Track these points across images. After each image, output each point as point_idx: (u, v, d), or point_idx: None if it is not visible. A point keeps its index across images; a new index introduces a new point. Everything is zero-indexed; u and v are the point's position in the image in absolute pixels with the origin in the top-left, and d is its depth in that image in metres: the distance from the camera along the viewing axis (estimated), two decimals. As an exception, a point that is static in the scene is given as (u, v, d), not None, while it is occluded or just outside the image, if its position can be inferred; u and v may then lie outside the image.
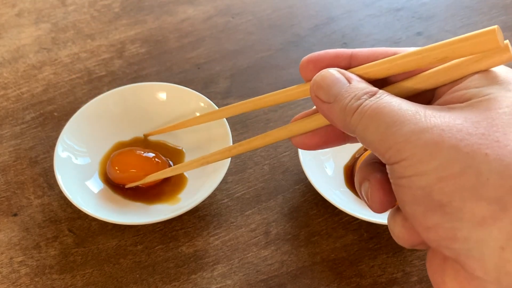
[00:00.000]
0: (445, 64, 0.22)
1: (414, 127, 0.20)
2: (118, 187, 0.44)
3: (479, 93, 0.21)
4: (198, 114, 0.48)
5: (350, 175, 0.45)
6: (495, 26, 0.20)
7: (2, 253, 0.42)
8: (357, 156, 0.46)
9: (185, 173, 0.46)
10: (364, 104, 0.21)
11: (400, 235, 0.23)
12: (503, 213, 0.18)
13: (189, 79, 0.55)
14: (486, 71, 0.22)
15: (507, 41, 0.21)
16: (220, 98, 0.53)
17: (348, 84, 0.23)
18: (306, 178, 0.43)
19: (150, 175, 0.42)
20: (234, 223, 0.44)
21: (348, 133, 0.23)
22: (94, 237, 0.43)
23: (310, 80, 0.25)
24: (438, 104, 0.22)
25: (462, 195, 0.18)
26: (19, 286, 0.41)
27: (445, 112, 0.20)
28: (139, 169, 0.43)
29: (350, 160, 0.46)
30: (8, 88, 0.54)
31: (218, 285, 0.41)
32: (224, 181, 0.46)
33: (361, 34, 0.59)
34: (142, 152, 0.45)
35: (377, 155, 0.22)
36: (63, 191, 0.41)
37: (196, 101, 0.48)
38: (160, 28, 0.60)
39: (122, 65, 0.56)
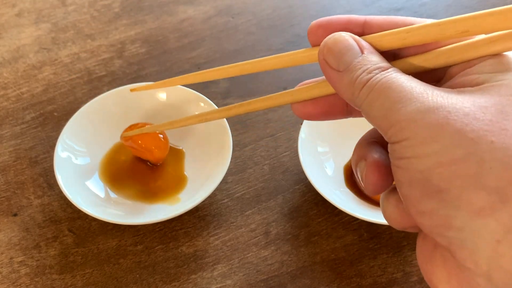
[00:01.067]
0: (459, 43, 0.21)
1: (420, 105, 0.19)
2: (118, 187, 0.44)
3: (492, 78, 0.20)
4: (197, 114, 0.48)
5: (350, 175, 0.45)
6: None
7: (2, 253, 0.42)
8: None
9: (185, 173, 0.46)
10: (374, 78, 0.21)
11: (392, 216, 0.23)
12: (502, 204, 0.17)
13: (189, 79, 0.55)
14: (501, 56, 0.20)
15: None
16: (220, 98, 0.53)
17: (361, 54, 0.22)
18: (306, 178, 0.43)
19: (148, 127, 0.42)
20: (234, 223, 0.44)
21: (354, 106, 0.22)
22: (94, 237, 0.43)
23: (318, 45, 0.23)
24: (449, 86, 0.21)
25: (461, 183, 0.17)
26: (19, 286, 0.41)
27: (454, 94, 0.19)
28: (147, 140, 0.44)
29: (350, 160, 0.46)
30: (8, 88, 0.54)
31: (218, 285, 0.41)
32: (224, 181, 0.46)
33: (361, 34, 0.59)
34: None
35: (380, 131, 0.21)
36: (63, 191, 0.41)
37: (196, 101, 0.48)
38: (160, 28, 0.60)
39: (122, 65, 0.56)
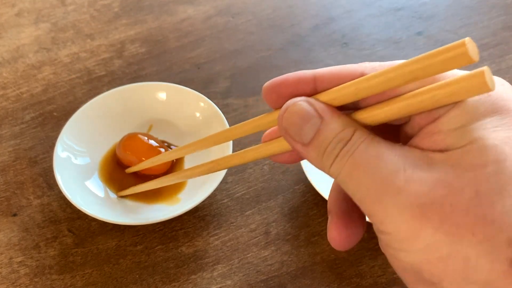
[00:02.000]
0: (418, 90, 0.20)
1: (395, 201, 0.18)
2: (118, 187, 0.44)
3: (459, 139, 0.18)
4: (198, 115, 0.48)
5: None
6: (466, 39, 0.17)
7: (1, 253, 0.42)
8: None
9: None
10: (340, 155, 0.20)
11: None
12: None
13: (189, 79, 0.55)
14: (464, 104, 0.19)
15: (484, 68, 0.18)
16: (220, 98, 0.53)
17: (321, 122, 0.21)
18: (306, 178, 0.43)
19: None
20: (234, 223, 0.44)
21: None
22: (94, 237, 0.43)
23: (278, 108, 0.23)
24: (417, 145, 0.20)
25: (452, 278, 0.18)
26: (18, 286, 0.41)
27: (425, 170, 0.18)
28: (145, 155, 0.44)
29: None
30: (7, 88, 0.54)
31: (218, 286, 0.41)
32: (224, 181, 0.46)
33: (361, 34, 0.59)
34: (153, 142, 0.45)
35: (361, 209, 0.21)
36: (62, 191, 0.41)
37: (196, 101, 0.48)
38: (160, 28, 0.60)
39: (122, 65, 0.56)
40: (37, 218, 0.44)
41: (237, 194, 0.46)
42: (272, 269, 0.41)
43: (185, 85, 0.49)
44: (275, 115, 0.23)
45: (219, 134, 0.30)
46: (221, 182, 0.42)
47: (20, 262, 0.42)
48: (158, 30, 0.60)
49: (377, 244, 0.43)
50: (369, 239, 0.43)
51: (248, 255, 0.42)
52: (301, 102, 0.21)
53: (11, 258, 0.42)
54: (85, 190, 0.43)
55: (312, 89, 0.22)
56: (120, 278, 0.41)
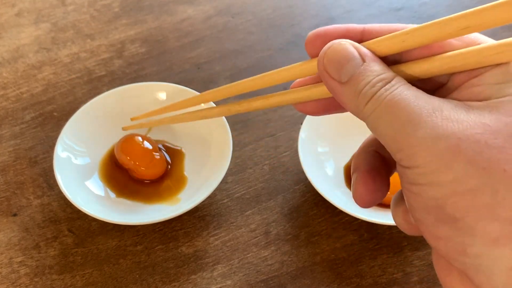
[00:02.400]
0: (464, 49, 0.20)
1: (430, 131, 0.18)
2: (118, 187, 0.44)
3: (499, 92, 0.19)
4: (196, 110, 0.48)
5: (350, 175, 0.45)
6: None
7: (1, 253, 0.42)
8: (357, 156, 0.46)
9: (185, 173, 0.46)
10: (379, 93, 0.20)
11: (401, 226, 0.23)
12: None
13: (189, 79, 0.55)
14: (507, 65, 0.20)
15: None
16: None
17: (362, 63, 0.21)
18: (306, 178, 0.43)
19: (148, 120, 0.42)
20: (234, 223, 0.44)
21: (358, 118, 0.21)
22: (94, 237, 0.43)
23: (317, 56, 0.23)
24: (455, 98, 0.20)
25: (476, 213, 0.18)
26: (18, 286, 0.41)
27: (463, 113, 0.19)
28: (139, 159, 0.44)
29: (350, 160, 0.46)
30: (7, 88, 0.54)
31: (218, 286, 0.41)
32: (224, 181, 0.46)
33: (361, 34, 0.59)
34: (149, 145, 0.45)
35: (387, 149, 0.20)
36: (63, 191, 0.41)
37: (196, 101, 0.48)
38: (160, 28, 0.60)
39: (122, 65, 0.56)
40: (37, 218, 0.44)
41: (237, 194, 0.46)
42: (272, 269, 0.42)
43: (185, 85, 0.49)
44: (313, 62, 0.24)
45: (248, 81, 0.29)
46: (221, 182, 0.42)
47: (20, 262, 0.42)
48: (158, 30, 0.60)
49: (377, 244, 0.43)
50: (369, 239, 0.43)
51: (248, 255, 0.42)
52: (346, 42, 0.22)
53: (11, 258, 0.42)
54: (85, 190, 0.43)
55: (359, 41, 0.23)
56: (120, 278, 0.41)
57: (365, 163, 0.24)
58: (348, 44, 0.22)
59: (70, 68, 0.56)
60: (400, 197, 0.23)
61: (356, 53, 0.21)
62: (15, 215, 0.45)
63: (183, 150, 0.47)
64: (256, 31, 0.60)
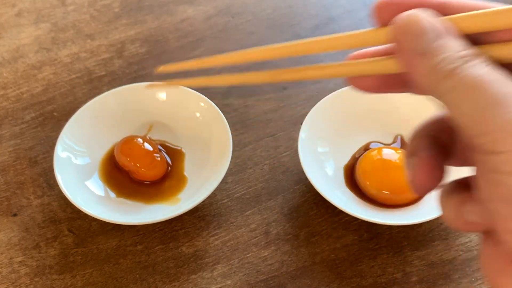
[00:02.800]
0: None
1: None
2: (118, 187, 0.44)
3: None
4: (198, 115, 0.48)
5: (350, 175, 0.45)
6: None
7: (1, 253, 0.42)
8: (357, 156, 0.46)
9: (185, 173, 0.46)
10: (460, 69, 0.18)
11: (450, 217, 0.21)
12: None
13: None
14: None
15: None
16: (220, 98, 0.53)
17: (442, 37, 0.19)
18: (306, 178, 0.43)
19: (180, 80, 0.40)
20: (234, 223, 0.44)
21: (429, 94, 0.19)
22: (94, 237, 0.43)
23: (386, 25, 0.20)
24: None
25: None
26: (18, 286, 0.41)
27: None
28: (139, 160, 0.44)
29: (350, 160, 0.46)
30: (7, 88, 0.54)
31: (218, 285, 0.41)
32: (224, 181, 0.46)
33: (361, 34, 0.59)
34: (149, 147, 0.45)
35: (464, 131, 0.18)
36: (63, 191, 0.41)
37: (196, 101, 0.48)
38: (160, 28, 0.60)
39: (122, 65, 0.56)
40: (37, 218, 0.44)
41: (237, 194, 0.46)
42: (272, 269, 0.42)
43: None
44: (382, 31, 0.21)
45: (302, 44, 0.26)
46: (221, 182, 0.42)
47: (20, 262, 0.42)
48: (158, 30, 0.60)
49: (377, 244, 0.43)
50: (368, 239, 0.43)
51: (248, 255, 0.42)
52: (423, 13, 0.19)
53: (11, 258, 0.42)
54: (85, 190, 0.43)
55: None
56: (120, 278, 0.41)
57: (424, 148, 0.22)
58: (426, 15, 0.19)
59: (70, 68, 0.56)
60: (452, 189, 0.21)
61: (438, 24, 0.19)
62: (15, 215, 0.45)
63: (183, 150, 0.47)
64: (256, 31, 0.60)
